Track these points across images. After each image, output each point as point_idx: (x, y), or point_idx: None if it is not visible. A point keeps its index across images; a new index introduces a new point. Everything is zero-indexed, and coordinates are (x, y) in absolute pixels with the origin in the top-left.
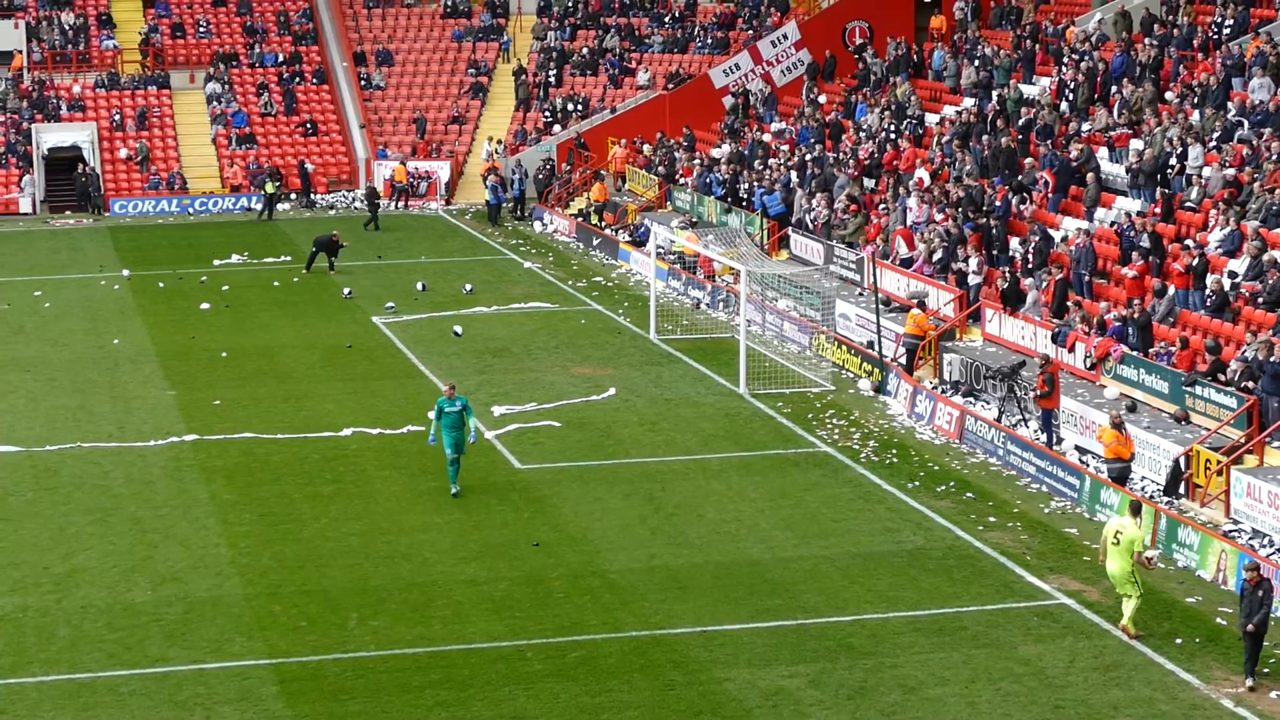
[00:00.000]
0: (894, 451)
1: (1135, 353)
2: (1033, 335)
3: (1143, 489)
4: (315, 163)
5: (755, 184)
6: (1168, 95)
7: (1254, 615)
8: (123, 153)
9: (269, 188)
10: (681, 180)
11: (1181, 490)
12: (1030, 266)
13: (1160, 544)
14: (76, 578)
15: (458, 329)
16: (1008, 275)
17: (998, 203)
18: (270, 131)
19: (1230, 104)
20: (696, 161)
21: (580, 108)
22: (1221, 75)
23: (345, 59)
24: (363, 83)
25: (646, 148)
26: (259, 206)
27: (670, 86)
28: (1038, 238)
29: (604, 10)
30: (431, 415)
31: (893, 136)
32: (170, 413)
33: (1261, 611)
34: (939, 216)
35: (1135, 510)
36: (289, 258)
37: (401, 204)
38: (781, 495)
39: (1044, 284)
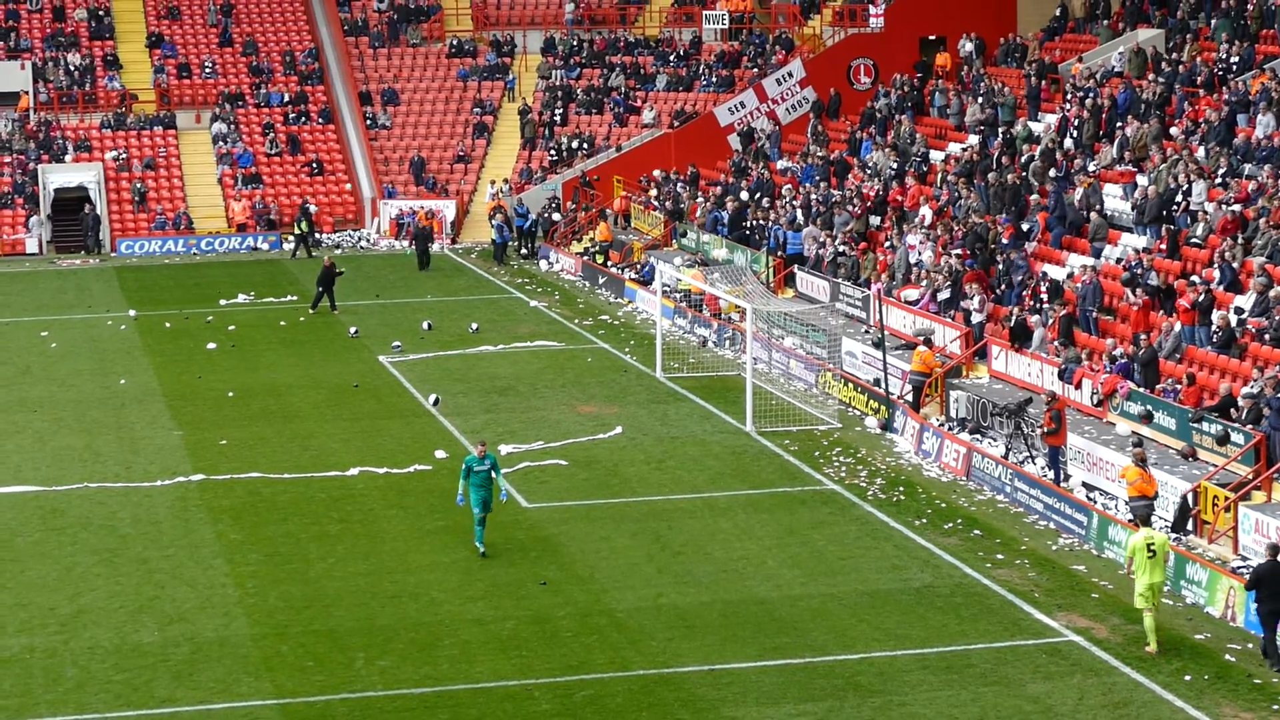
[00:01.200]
0: (901, 489)
1: (1142, 389)
2: (1039, 372)
3: (1152, 522)
4: (321, 203)
5: (770, 221)
6: (1172, 131)
7: None
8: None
9: (302, 226)
10: (690, 221)
11: (1189, 526)
12: (1031, 305)
13: (1169, 581)
14: (83, 618)
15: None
16: (1014, 312)
17: (1005, 239)
18: (276, 171)
19: (1235, 140)
20: (700, 199)
21: (585, 146)
22: (1226, 112)
23: (351, 98)
24: (368, 122)
25: (653, 189)
26: (290, 245)
27: (675, 125)
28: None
29: (609, 49)
30: (461, 476)
31: (898, 174)
32: (177, 453)
33: None
34: (944, 253)
35: (1146, 520)
36: (294, 297)
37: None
38: (789, 533)
39: (1050, 321)
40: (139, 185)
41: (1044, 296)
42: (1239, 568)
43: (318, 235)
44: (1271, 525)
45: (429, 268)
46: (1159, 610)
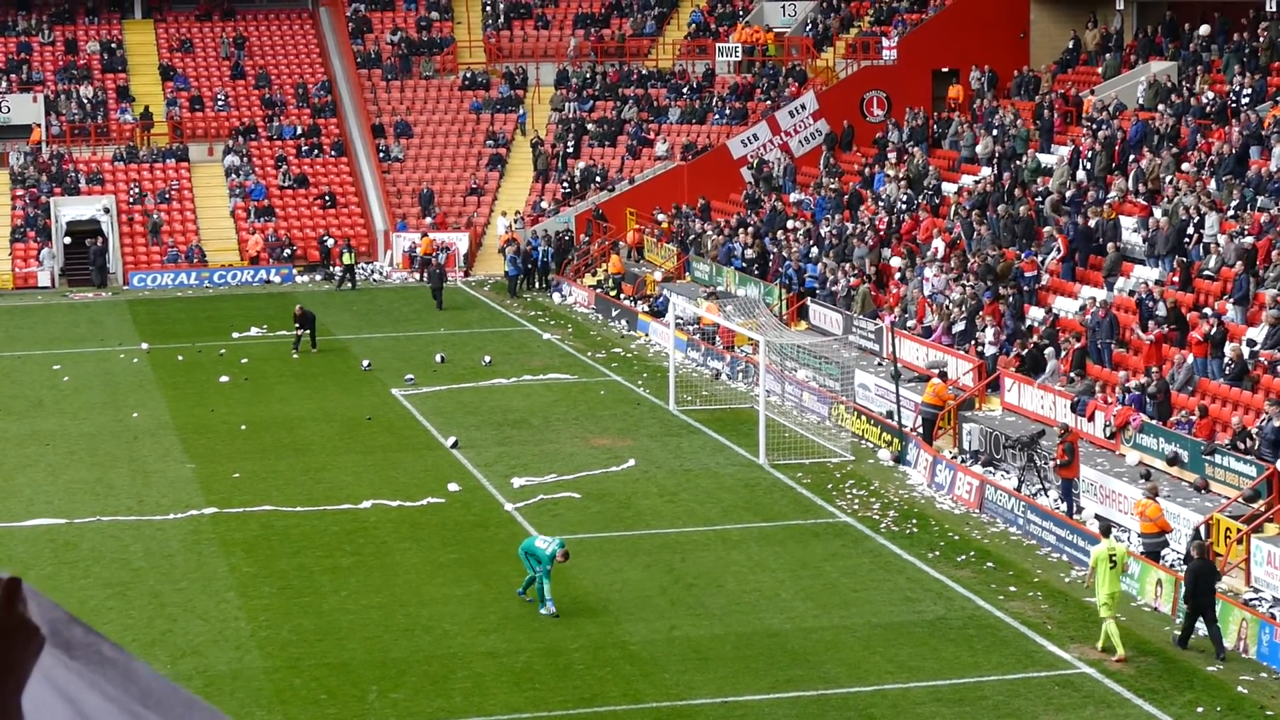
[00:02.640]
0: (914, 521)
1: (1155, 421)
2: (1052, 404)
3: (1163, 557)
4: (335, 235)
5: (785, 255)
6: (1185, 165)
7: None
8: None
9: (346, 258)
10: (706, 256)
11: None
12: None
13: (1181, 613)
14: None
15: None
16: (1029, 345)
17: (1027, 272)
18: (289, 204)
19: (1248, 172)
20: (714, 232)
21: (599, 179)
22: (1239, 144)
23: (364, 131)
24: (381, 154)
25: (663, 217)
26: (337, 275)
27: (689, 157)
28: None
29: (622, 81)
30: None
31: (911, 206)
32: (189, 486)
33: None
34: (957, 286)
35: (1106, 531)
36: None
37: (422, 277)
38: (802, 566)
39: (1063, 353)
40: (156, 218)
41: (1041, 333)
42: (1251, 600)
43: (333, 268)
44: None
45: (442, 307)
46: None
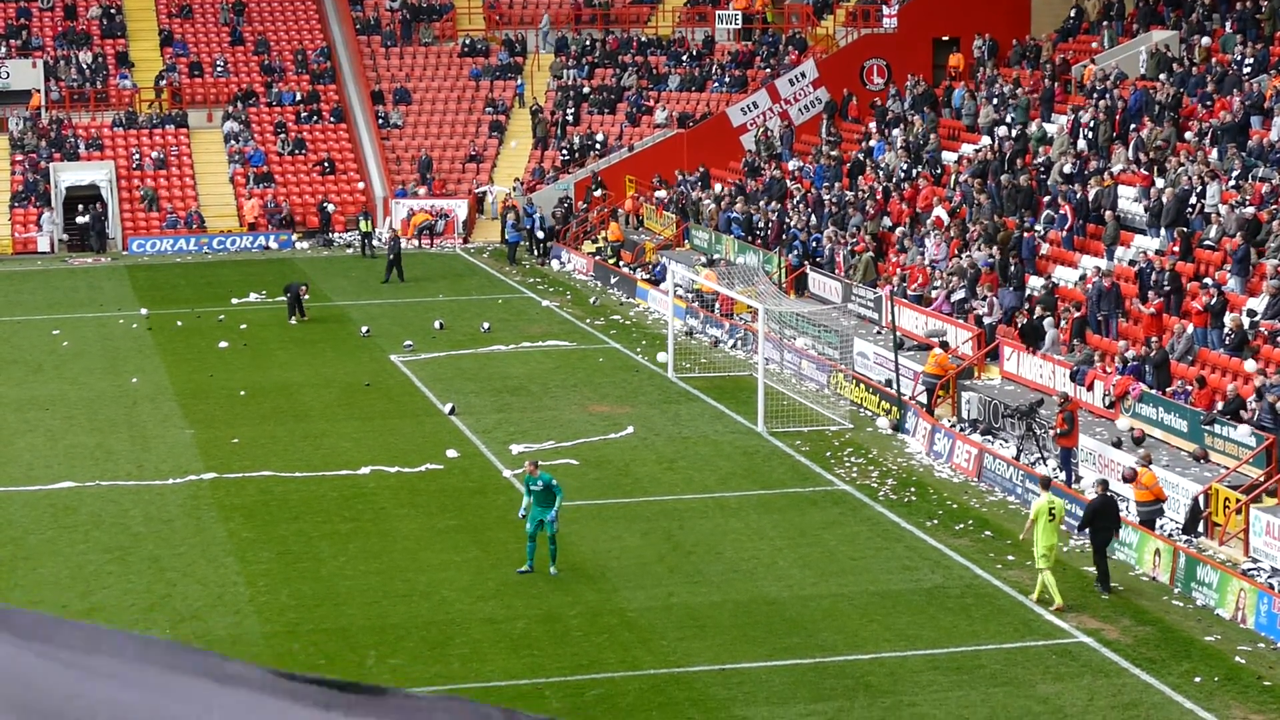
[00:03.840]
0: (912, 490)
1: (1154, 391)
2: (1051, 373)
3: (1161, 527)
4: (335, 201)
5: (792, 224)
6: (1186, 134)
7: None
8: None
9: (363, 225)
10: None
11: (1200, 529)
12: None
13: (1179, 582)
14: (95, 616)
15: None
16: (1027, 313)
17: (1026, 236)
18: (288, 170)
19: (1249, 142)
20: (711, 200)
21: (598, 146)
22: (1240, 113)
23: (363, 97)
24: (380, 121)
25: (662, 194)
26: (358, 244)
27: (688, 125)
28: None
29: (621, 49)
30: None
31: (911, 175)
32: (188, 451)
33: None
34: (957, 254)
35: (1046, 484)
36: (307, 296)
37: (426, 243)
38: (800, 533)
39: (1063, 323)
40: (148, 190)
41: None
42: (1250, 570)
43: (333, 235)
44: None
45: (400, 279)
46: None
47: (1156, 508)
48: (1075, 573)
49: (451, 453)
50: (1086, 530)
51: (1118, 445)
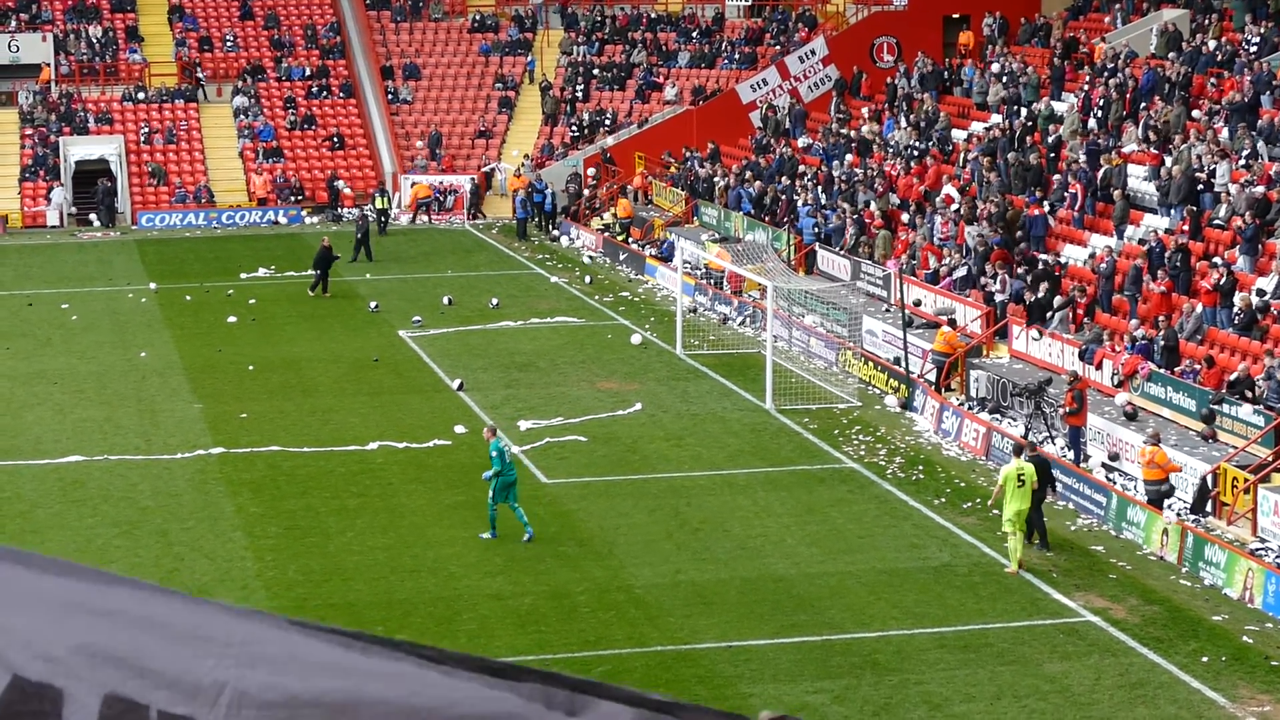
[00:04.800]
0: (920, 468)
1: (1163, 370)
2: (1060, 352)
3: (1170, 506)
4: (344, 176)
5: (802, 202)
6: (1195, 113)
7: None
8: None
9: (379, 202)
10: (719, 202)
11: (1208, 508)
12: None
13: (1187, 562)
14: None
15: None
16: (1036, 291)
17: (1033, 214)
18: (297, 145)
19: (1259, 121)
20: (719, 177)
21: (607, 123)
22: (1250, 93)
23: (372, 73)
24: (390, 97)
25: (673, 165)
26: (373, 218)
27: (698, 101)
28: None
29: (631, 25)
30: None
31: (920, 153)
32: (197, 426)
33: None
34: (967, 232)
35: (1019, 451)
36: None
37: (425, 219)
38: (807, 511)
39: (1072, 301)
40: (156, 166)
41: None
42: (1258, 549)
43: (342, 211)
44: None
45: (368, 259)
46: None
47: (1166, 487)
48: (1082, 551)
49: (460, 428)
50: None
51: (1131, 417)
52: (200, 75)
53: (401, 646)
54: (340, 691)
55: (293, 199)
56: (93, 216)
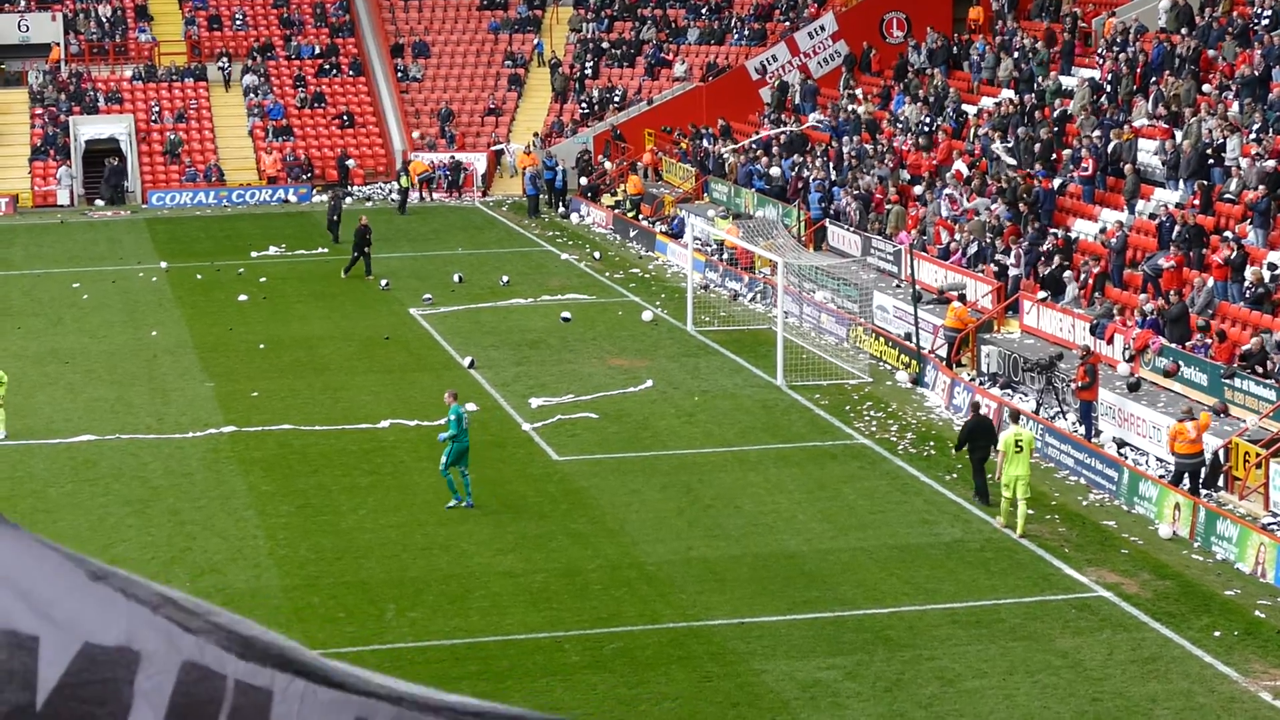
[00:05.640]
0: (932, 443)
1: (1174, 345)
2: (1071, 327)
3: (1199, 476)
4: (353, 154)
5: (813, 177)
6: (1205, 87)
7: None
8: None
9: (403, 181)
10: (730, 179)
11: (1220, 483)
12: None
13: (1199, 537)
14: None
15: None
16: (1048, 266)
17: (1043, 188)
18: (307, 124)
19: (1270, 95)
20: (730, 154)
21: (617, 100)
22: (1261, 67)
23: (382, 51)
24: (399, 74)
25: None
26: (397, 198)
27: (707, 78)
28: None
29: (640, 2)
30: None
31: (930, 128)
32: (208, 404)
33: None
34: (977, 207)
35: (1016, 418)
36: (325, 250)
37: (427, 196)
38: (819, 487)
39: (1083, 276)
40: (175, 137)
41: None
42: (1270, 524)
43: (351, 188)
44: None
45: (334, 240)
46: (1021, 504)
47: (1198, 460)
48: (1094, 526)
49: (471, 406)
50: (965, 448)
51: (1134, 388)
52: (221, 66)
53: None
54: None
55: (303, 177)
56: (99, 201)
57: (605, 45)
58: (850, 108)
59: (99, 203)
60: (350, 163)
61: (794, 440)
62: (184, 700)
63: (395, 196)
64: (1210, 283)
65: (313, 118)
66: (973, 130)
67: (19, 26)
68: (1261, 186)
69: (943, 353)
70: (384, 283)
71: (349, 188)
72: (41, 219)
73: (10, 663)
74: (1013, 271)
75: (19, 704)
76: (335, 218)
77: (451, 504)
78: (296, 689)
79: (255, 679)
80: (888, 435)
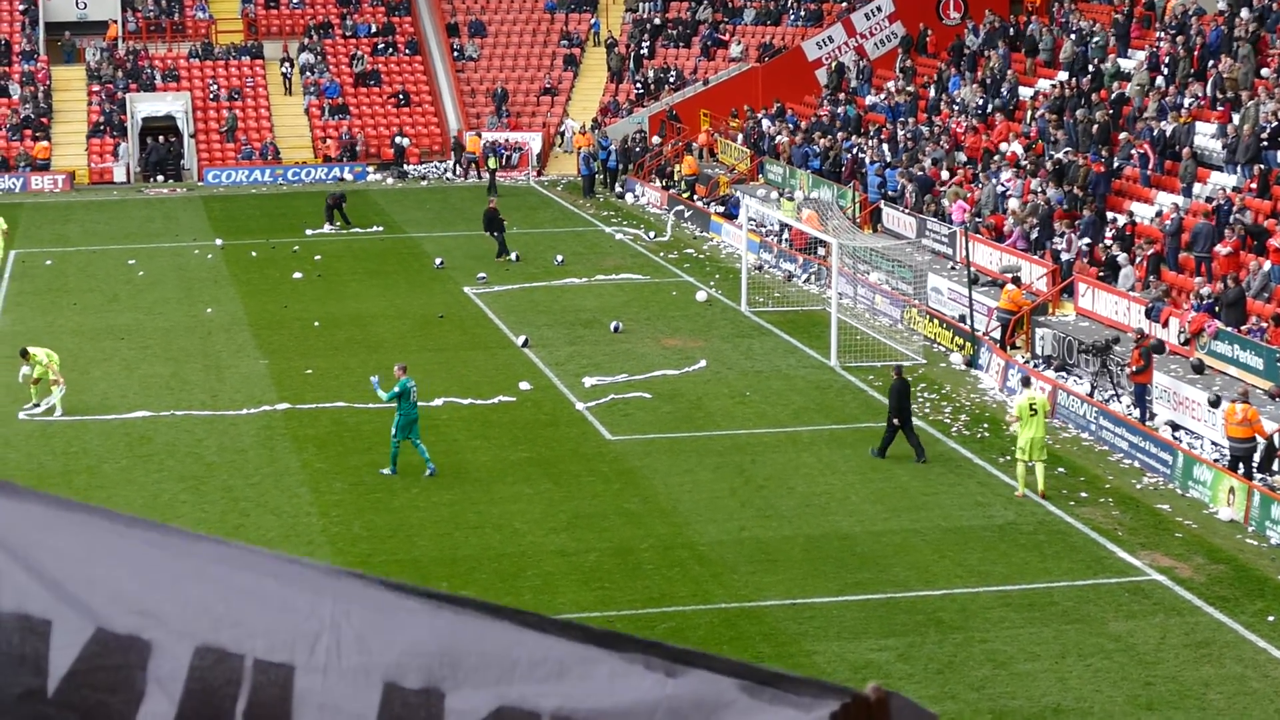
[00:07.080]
0: (985, 426)
1: (1229, 329)
2: (1126, 310)
3: (1253, 461)
4: (409, 133)
5: (869, 159)
6: (1264, 71)
7: None
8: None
9: (492, 163)
10: (779, 158)
11: (1275, 467)
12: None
13: (1254, 521)
14: None
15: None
16: (1103, 249)
17: (1098, 171)
18: (363, 102)
19: None
20: (786, 135)
21: (672, 80)
22: None
23: (438, 30)
24: (455, 54)
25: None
26: (486, 178)
27: (763, 59)
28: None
29: None
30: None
31: (987, 110)
32: (263, 381)
33: None
34: (1033, 190)
35: (1027, 382)
36: (380, 228)
37: (476, 174)
38: (872, 468)
39: (1139, 259)
40: (232, 116)
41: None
42: None
43: (406, 168)
44: None
45: (327, 224)
46: (1040, 465)
47: (1251, 444)
48: (1148, 509)
49: (524, 385)
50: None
51: (1198, 370)
52: (285, 71)
53: (497, 608)
54: (439, 640)
55: (357, 154)
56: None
57: (661, 25)
58: (912, 89)
59: (168, 186)
60: (404, 141)
61: (847, 421)
62: (199, 685)
63: (486, 179)
64: (1267, 266)
65: (368, 96)
66: (1029, 113)
67: (77, 4)
68: None
69: (997, 335)
70: (438, 261)
71: (404, 167)
72: (98, 195)
73: (22, 647)
74: (1065, 255)
75: (30, 689)
76: (332, 203)
77: (385, 471)
78: (319, 660)
79: (275, 655)
80: (941, 417)
